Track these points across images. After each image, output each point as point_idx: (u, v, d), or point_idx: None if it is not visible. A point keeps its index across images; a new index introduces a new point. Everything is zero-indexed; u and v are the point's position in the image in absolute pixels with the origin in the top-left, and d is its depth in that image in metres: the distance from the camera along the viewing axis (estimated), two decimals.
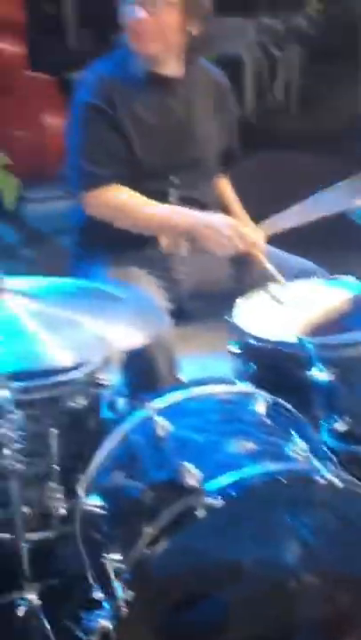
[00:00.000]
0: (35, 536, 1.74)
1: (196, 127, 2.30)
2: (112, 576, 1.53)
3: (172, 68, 2.25)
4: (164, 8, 2.13)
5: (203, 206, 2.30)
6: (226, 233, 2.15)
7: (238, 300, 2.13)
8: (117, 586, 1.51)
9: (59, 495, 1.75)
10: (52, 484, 1.75)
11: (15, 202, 4.35)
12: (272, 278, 2.23)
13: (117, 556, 1.56)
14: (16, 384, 1.60)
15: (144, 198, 2.21)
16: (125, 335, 1.47)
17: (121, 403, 2.49)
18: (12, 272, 1.64)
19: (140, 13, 2.12)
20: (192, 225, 2.18)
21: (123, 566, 1.54)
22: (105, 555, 1.57)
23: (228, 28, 5.56)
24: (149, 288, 2.19)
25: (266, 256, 2.27)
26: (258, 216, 2.43)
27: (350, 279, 2.24)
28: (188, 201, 2.27)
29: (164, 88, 2.26)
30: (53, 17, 6.57)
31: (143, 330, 1.50)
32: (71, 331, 1.47)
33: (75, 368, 1.70)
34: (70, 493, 1.76)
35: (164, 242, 2.27)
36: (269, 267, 2.25)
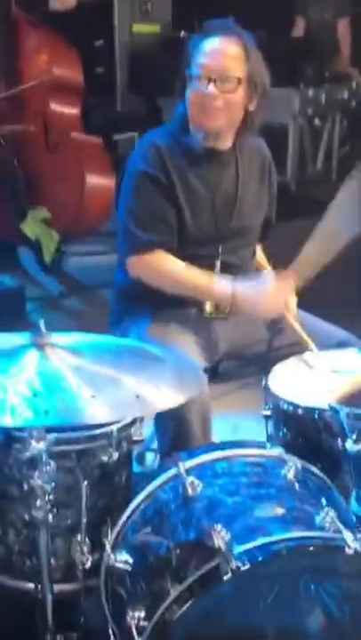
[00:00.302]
0: (59, 587, 1.75)
1: (243, 200, 2.37)
2: (134, 633, 1.54)
3: (227, 141, 2.32)
4: (233, 86, 2.20)
5: (241, 271, 2.35)
6: (267, 296, 2.20)
7: (275, 366, 2.16)
8: None
9: (85, 548, 1.76)
10: (80, 537, 1.76)
11: (54, 255, 4.45)
12: (304, 343, 2.26)
13: (141, 614, 1.56)
14: (51, 435, 1.63)
15: (187, 266, 2.28)
16: (164, 396, 1.50)
17: (150, 457, 2.53)
18: (55, 323, 1.69)
19: (210, 88, 2.19)
20: (230, 296, 2.24)
21: (145, 624, 1.54)
22: (128, 611, 1.58)
23: (275, 97, 5.68)
24: (187, 347, 2.22)
25: (302, 323, 2.32)
26: None
27: None
28: (228, 266, 2.33)
29: (217, 161, 2.33)
30: (103, 80, 6.79)
31: (182, 391, 1.53)
32: (110, 388, 1.50)
33: (110, 423, 1.72)
34: (97, 547, 1.77)
35: (208, 307, 2.32)
36: (299, 330, 2.30)
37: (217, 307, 2.32)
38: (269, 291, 2.22)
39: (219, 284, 2.26)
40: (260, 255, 2.60)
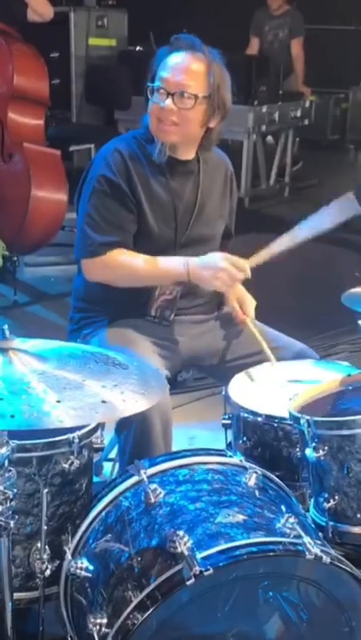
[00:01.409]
0: (18, 596, 1.73)
1: (203, 209, 2.40)
2: None
3: (188, 153, 2.35)
4: (190, 103, 2.21)
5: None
6: (221, 266, 2.22)
7: (235, 376, 2.19)
8: None
9: (45, 556, 1.74)
10: (40, 544, 1.75)
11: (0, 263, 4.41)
12: (261, 348, 2.31)
13: (103, 620, 1.56)
14: (13, 442, 1.62)
15: (138, 255, 2.29)
16: (129, 401, 1.50)
17: (108, 467, 2.53)
18: (18, 332, 1.68)
19: (168, 103, 2.21)
20: (185, 270, 2.25)
21: (108, 631, 1.54)
22: (90, 618, 1.57)
23: (230, 114, 5.75)
24: (148, 354, 2.23)
25: (263, 334, 2.35)
26: None
27: (340, 361, 2.31)
28: None
29: (180, 171, 2.35)
30: (59, 92, 6.79)
31: (146, 396, 1.54)
32: (76, 393, 1.50)
33: (72, 429, 1.72)
34: (57, 555, 1.76)
35: (152, 311, 2.34)
36: (258, 335, 2.35)
37: (161, 313, 2.34)
38: (220, 266, 2.23)
39: (174, 264, 2.28)
40: None
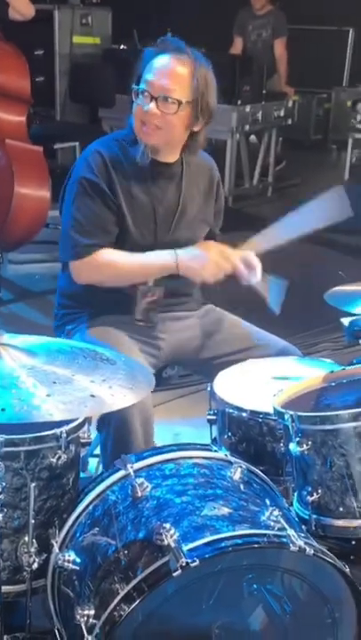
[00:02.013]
0: (6, 589, 1.75)
1: (184, 212, 2.40)
2: (84, 631, 1.55)
3: (171, 156, 2.36)
4: (173, 108, 2.22)
5: (184, 282, 2.38)
6: (209, 256, 2.25)
7: (220, 372, 2.22)
8: None
9: (33, 549, 1.76)
10: (27, 538, 1.76)
11: None
12: (261, 295, 2.32)
13: (90, 612, 1.58)
14: (1, 436, 1.64)
15: (125, 253, 2.30)
16: (117, 395, 1.53)
17: (93, 463, 2.55)
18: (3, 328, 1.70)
19: (151, 106, 2.22)
20: (175, 264, 2.27)
21: (95, 622, 1.56)
22: (77, 610, 1.59)
23: (215, 114, 5.77)
24: (130, 352, 2.25)
25: (249, 332, 2.38)
26: None
27: (323, 358, 2.35)
28: (169, 276, 2.35)
29: (162, 174, 2.36)
30: (43, 89, 6.79)
31: (134, 391, 1.56)
32: (64, 387, 1.52)
33: (60, 424, 1.74)
34: (44, 548, 1.78)
35: (138, 315, 2.35)
36: (259, 282, 2.33)
37: (147, 316, 2.36)
38: (208, 257, 2.25)
39: (162, 257, 2.29)
40: None
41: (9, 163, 4.28)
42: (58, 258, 2.44)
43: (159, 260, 2.30)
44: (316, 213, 2.35)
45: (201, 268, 2.25)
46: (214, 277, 2.28)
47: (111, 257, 2.29)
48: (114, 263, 2.30)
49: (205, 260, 2.25)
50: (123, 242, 2.32)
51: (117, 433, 2.12)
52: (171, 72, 2.22)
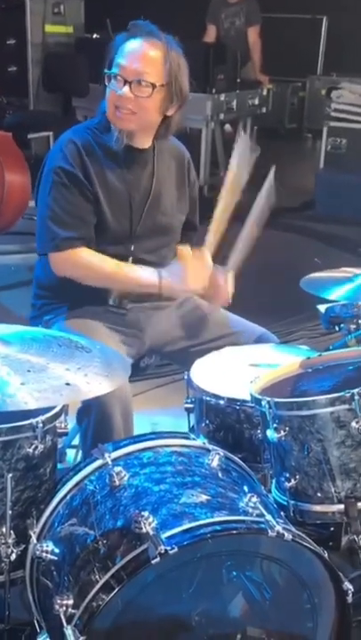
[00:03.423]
0: None
1: (158, 198, 2.40)
2: (63, 621, 1.54)
3: (144, 141, 2.35)
4: (147, 91, 2.21)
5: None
6: (186, 283, 2.26)
7: (197, 360, 2.21)
8: (69, 632, 1.51)
9: (11, 540, 1.75)
10: (5, 529, 1.75)
11: None
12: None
13: (69, 602, 1.57)
14: None
15: (109, 258, 2.29)
16: (93, 383, 1.51)
17: (71, 454, 2.53)
18: None
19: (125, 90, 2.21)
20: (157, 283, 2.27)
21: (74, 612, 1.55)
22: (57, 600, 1.58)
23: (188, 102, 5.76)
24: (108, 342, 2.24)
25: (226, 319, 2.38)
26: None
27: (299, 345, 2.35)
28: (146, 264, 2.35)
29: (135, 160, 2.35)
30: (16, 79, 6.74)
31: (109, 379, 1.55)
32: (38, 376, 1.51)
33: (36, 414, 1.73)
34: (22, 539, 1.77)
35: (111, 301, 2.35)
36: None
37: (120, 301, 2.35)
38: (189, 269, 2.26)
39: (145, 273, 2.29)
40: None
41: None
42: (34, 249, 2.42)
43: (143, 277, 2.29)
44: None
45: (182, 285, 2.26)
46: (200, 285, 2.30)
47: (93, 260, 2.28)
48: (96, 267, 2.28)
49: (183, 274, 2.25)
50: (100, 231, 2.31)
51: (98, 423, 2.11)
52: (143, 55, 2.21)
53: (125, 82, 2.20)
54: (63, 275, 2.31)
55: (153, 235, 2.39)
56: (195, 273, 2.26)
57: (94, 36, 7.02)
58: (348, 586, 1.64)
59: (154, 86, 2.21)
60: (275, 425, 1.84)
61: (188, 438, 1.88)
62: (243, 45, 7.11)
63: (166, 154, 2.43)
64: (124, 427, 2.13)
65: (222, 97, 6.58)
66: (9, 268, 4.77)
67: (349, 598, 1.64)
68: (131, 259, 2.35)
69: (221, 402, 2.06)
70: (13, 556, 1.74)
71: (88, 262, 2.28)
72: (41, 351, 1.61)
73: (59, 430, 1.83)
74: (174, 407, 2.73)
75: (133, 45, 2.22)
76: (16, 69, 6.60)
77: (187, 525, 1.56)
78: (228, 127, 7.43)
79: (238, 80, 6.81)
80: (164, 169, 2.41)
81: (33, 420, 1.73)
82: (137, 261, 2.35)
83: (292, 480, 1.85)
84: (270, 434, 1.85)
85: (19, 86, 6.59)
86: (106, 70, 2.25)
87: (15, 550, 1.75)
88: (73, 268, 2.29)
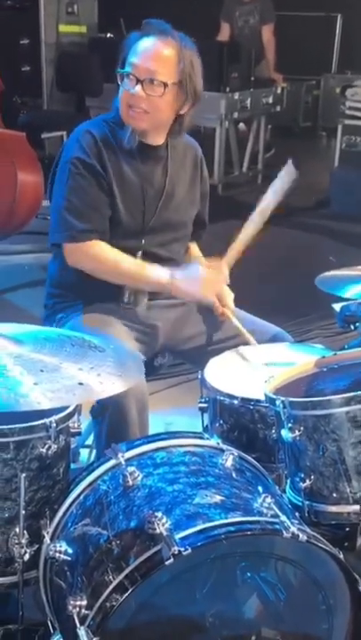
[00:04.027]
0: None
1: (171, 194, 2.40)
2: (76, 622, 1.54)
3: (158, 139, 2.35)
4: (159, 90, 2.20)
5: (173, 264, 2.38)
6: (202, 277, 2.27)
7: (211, 359, 2.21)
8: (82, 633, 1.51)
9: (24, 540, 1.74)
10: (18, 529, 1.75)
11: None
12: (244, 338, 2.32)
13: (82, 602, 1.56)
14: None
15: (125, 254, 2.29)
16: (106, 383, 1.51)
17: (84, 454, 2.53)
18: None
19: (137, 89, 2.20)
20: (169, 282, 2.27)
21: (87, 613, 1.54)
22: (70, 600, 1.58)
23: (202, 101, 5.75)
24: (123, 338, 2.24)
25: (240, 319, 2.38)
26: None
27: (314, 344, 2.34)
28: (158, 258, 2.36)
29: (149, 155, 2.35)
30: (30, 78, 6.75)
31: (123, 378, 1.54)
32: (52, 375, 1.50)
33: (49, 414, 1.72)
34: (35, 539, 1.76)
35: (125, 297, 2.34)
36: (239, 325, 2.36)
37: (135, 299, 2.35)
38: (203, 276, 2.28)
39: (157, 272, 2.29)
40: (196, 252, 2.63)
41: (6, 151, 4.29)
42: (47, 248, 2.42)
43: (155, 276, 2.29)
44: (274, 192, 2.40)
45: (196, 290, 2.29)
46: (212, 294, 2.33)
47: (109, 254, 2.28)
48: (110, 261, 2.28)
49: (199, 280, 2.28)
50: (113, 223, 2.31)
51: (114, 422, 2.11)
52: (156, 54, 2.20)
53: (138, 81, 2.20)
54: (76, 266, 2.31)
55: (165, 229, 2.39)
56: (209, 282, 2.27)
57: (108, 35, 7.02)
58: None
59: (166, 85, 2.20)
60: (289, 425, 1.83)
61: (201, 438, 1.87)
62: (257, 44, 7.09)
63: (179, 150, 2.43)
64: (139, 426, 2.12)
65: (236, 96, 6.57)
66: (22, 268, 4.78)
67: None
68: (141, 252, 2.35)
69: (235, 401, 2.04)
70: (27, 557, 1.74)
71: (102, 256, 2.28)
72: (54, 351, 1.60)
73: (72, 430, 1.83)
74: (188, 407, 2.72)
75: (146, 44, 2.21)
76: (30, 69, 6.61)
77: (201, 526, 1.55)
78: (242, 126, 7.41)
79: (252, 78, 6.78)
80: (177, 165, 2.41)
81: (46, 420, 1.72)
82: (147, 255, 2.35)
83: (307, 480, 1.84)
84: (285, 434, 1.83)
85: (32, 86, 6.60)
86: (119, 69, 2.25)
87: (29, 550, 1.75)
88: (87, 260, 2.29)
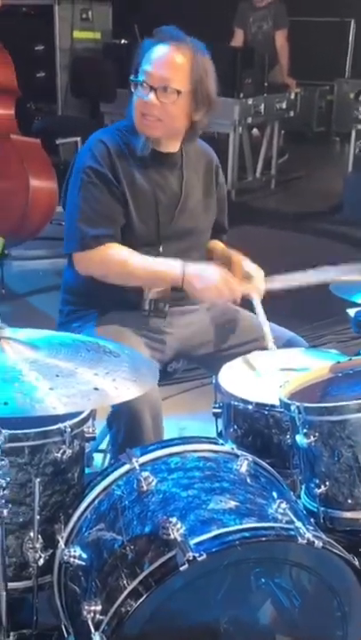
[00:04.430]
0: (11, 585, 1.74)
1: (187, 201, 2.39)
2: (91, 627, 1.54)
3: (172, 146, 2.35)
4: (172, 98, 2.20)
5: None
6: (215, 283, 2.22)
7: (226, 364, 2.20)
8: (97, 638, 1.51)
9: (39, 545, 1.75)
10: (33, 534, 1.75)
11: None
12: (265, 337, 2.32)
13: (97, 608, 1.56)
14: (5, 431, 1.62)
15: (134, 252, 2.28)
16: (121, 388, 1.51)
17: (98, 458, 2.53)
18: None
19: (151, 97, 2.20)
20: (181, 275, 2.24)
21: (102, 618, 1.54)
22: (84, 606, 1.58)
23: (217, 107, 5.76)
24: (137, 346, 2.23)
25: (254, 324, 2.38)
26: None
27: (329, 349, 2.33)
28: None
29: (163, 163, 2.35)
30: (44, 85, 6.78)
31: (137, 384, 1.54)
32: (67, 381, 1.50)
33: (64, 419, 1.72)
34: (49, 544, 1.76)
35: (145, 305, 2.33)
36: (262, 317, 2.35)
37: (155, 306, 2.33)
38: (219, 276, 2.24)
39: (169, 265, 2.26)
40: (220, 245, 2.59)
41: (19, 157, 4.31)
42: (62, 254, 2.42)
43: (167, 269, 2.26)
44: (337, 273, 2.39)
45: (203, 289, 2.23)
46: (212, 301, 2.31)
47: (120, 255, 2.27)
48: (122, 261, 2.26)
49: (211, 282, 2.22)
50: (127, 232, 2.30)
51: (129, 429, 2.10)
52: (169, 61, 2.20)
53: (151, 88, 2.20)
54: (87, 274, 2.30)
55: (181, 237, 2.38)
56: (219, 287, 2.22)
57: (122, 41, 7.04)
58: None
59: (179, 92, 2.20)
60: (304, 430, 1.82)
61: (216, 443, 1.86)
62: (270, 49, 7.09)
63: (194, 157, 2.43)
64: (154, 432, 2.12)
65: (250, 101, 6.57)
66: (37, 273, 4.80)
67: None
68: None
69: (250, 407, 2.04)
70: (41, 561, 1.75)
71: (113, 258, 2.26)
72: (69, 356, 1.60)
73: (87, 435, 1.83)
74: (202, 412, 2.72)
75: (159, 51, 2.21)
76: (44, 75, 6.64)
77: (215, 532, 1.55)
78: (255, 131, 7.41)
79: (266, 84, 6.79)
80: (191, 172, 2.41)
81: (61, 425, 1.73)
82: None
83: (323, 486, 1.83)
84: (300, 439, 1.83)
85: (47, 92, 6.62)
86: (132, 77, 2.24)
87: (43, 555, 1.75)
88: (95, 266, 2.27)
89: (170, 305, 2.35)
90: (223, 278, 2.24)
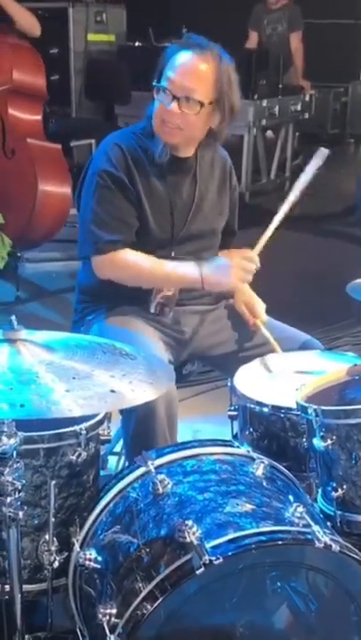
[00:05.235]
0: (26, 588, 1.73)
1: (201, 205, 2.39)
2: (106, 630, 1.53)
3: (188, 152, 2.34)
4: (195, 109, 2.18)
5: None
6: (232, 264, 2.23)
7: (240, 367, 2.19)
8: None
9: (53, 547, 1.74)
10: (48, 536, 1.75)
11: (4, 260, 4.41)
12: (272, 347, 2.31)
13: (112, 611, 1.56)
14: (21, 433, 1.62)
15: (151, 257, 2.28)
16: (137, 390, 1.50)
17: (113, 461, 2.53)
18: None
19: (173, 105, 2.18)
20: (199, 277, 2.24)
21: (117, 621, 1.54)
22: (100, 609, 1.57)
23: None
24: (150, 337, 2.24)
25: (270, 327, 2.36)
26: None
27: (346, 351, 2.31)
28: None
29: (178, 167, 2.34)
30: (59, 87, 6.78)
31: (154, 386, 1.54)
32: (83, 383, 1.50)
33: (79, 421, 1.72)
34: (65, 547, 1.76)
35: (152, 307, 2.33)
36: (269, 335, 2.33)
37: (161, 309, 2.33)
38: (231, 264, 2.24)
39: (187, 269, 2.27)
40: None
41: (32, 161, 4.31)
42: (75, 256, 2.42)
43: (184, 272, 2.27)
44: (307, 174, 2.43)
45: (226, 278, 2.24)
46: (243, 281, 2.28)
47: (136, 259, 2.27)
48: (138, 266, 2.27)
49: (229, 267, 2.23)
50: (142, 235, 2.30)
51: (142, 429, 2.10)
52: (193, 70, 2.17)
53: (174, 97, 2.18)
54: (105, 277, 2.30)
55: (193, 239, 2.38)
56: (238, 268, 2.23)
57: (136, 44, 7.04)
58: None
59: (202, 105, 2.18)
60: (321, 433, 1.81)
61: (232, 446, 1.85)
62: (285, 51, 7.08)
63: (208, 160, 2.42)
64: (169, 433, 2.11)
65: (264, 103, 6.55)
66: (50, 276, 4.80)
67: None
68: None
69: (266, 409, 2.03)
70: (56, 564, 1.75)
71: (129, 263, 2.27)
72: (86, 358, 1.60)
73: (102, 437, 1.83)
74: (217, 415, 2.71)
75: (184, 59, 2.18)
76: (59, 78, 6.64)
77: (232, 535, 1.54)
78: (269, 133, 7.40)
79: (280, 86, 6.77)
80: (206, 175, 2.41)
81: (76, 427, 1.73)
82: None
83: (339, 490, 1.82)
84: (316, 442, 1.82)
85: (61, 95, 6.62)
86: (155, 83, 2.22)
87: (58, 558, 1.75)
88: (114, 269, 2.28)
89: (182, 304, 2.36)
90: (235, 261, 2.24)
